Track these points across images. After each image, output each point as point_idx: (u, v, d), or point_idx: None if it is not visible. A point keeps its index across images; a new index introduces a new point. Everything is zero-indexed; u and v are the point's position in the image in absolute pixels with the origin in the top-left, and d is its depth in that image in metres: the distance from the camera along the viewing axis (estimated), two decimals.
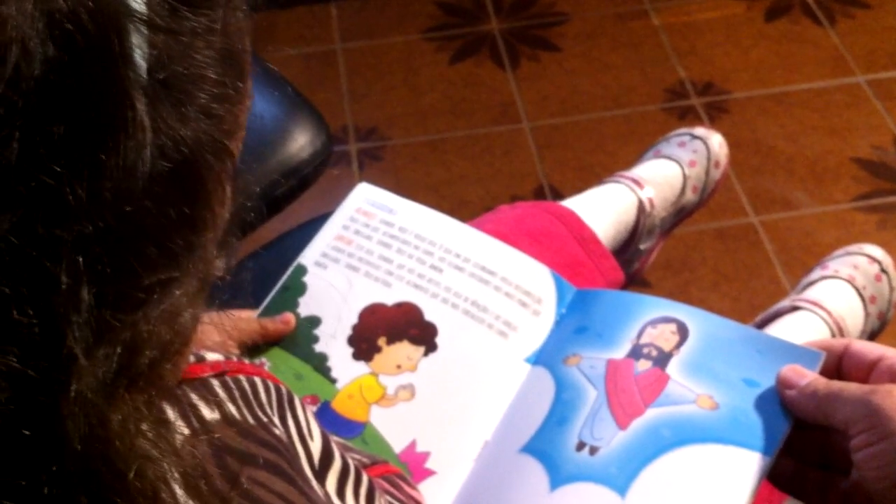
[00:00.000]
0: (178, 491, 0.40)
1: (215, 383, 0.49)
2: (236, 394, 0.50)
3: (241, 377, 0.51)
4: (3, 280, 0.28)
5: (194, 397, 0.47)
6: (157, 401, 0.34)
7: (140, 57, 0.30)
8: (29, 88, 0.27)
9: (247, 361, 0.54)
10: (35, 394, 0.29)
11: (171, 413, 0.44)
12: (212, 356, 0.51)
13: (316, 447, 0.55)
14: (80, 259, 0.29)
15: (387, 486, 0.63)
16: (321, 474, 0.54)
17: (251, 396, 0.51)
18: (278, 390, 0.54)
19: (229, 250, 0.37)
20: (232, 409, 0.49)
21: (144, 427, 0.32)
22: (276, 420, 0.52)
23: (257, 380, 0.52)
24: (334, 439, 0.58)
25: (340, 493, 0.55)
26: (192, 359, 0.48)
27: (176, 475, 0.39)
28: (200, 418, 0.46)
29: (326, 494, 0.53)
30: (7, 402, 0.28)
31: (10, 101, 0.27)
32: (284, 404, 0.54)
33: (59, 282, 0.29)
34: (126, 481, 0.31)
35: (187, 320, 0.33)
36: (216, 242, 0.35)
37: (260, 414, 0.50)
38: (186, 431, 0.44)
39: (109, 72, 0.29)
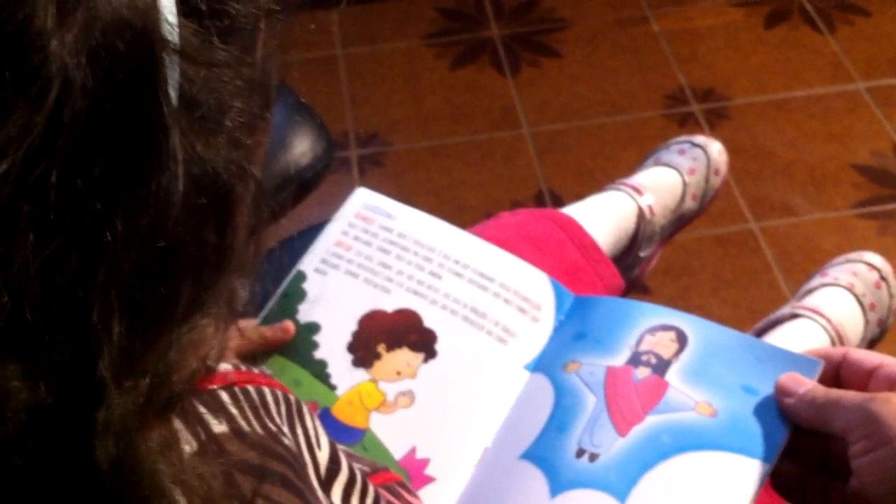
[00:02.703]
0: None
1: (224, 395, 0.49)
2: (245, 405, 0.50)
3: (250, 388, 0.51)
4: (37, 311, 0.28)
5: (203, 410, 0.47)
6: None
7: (173, 87, 0.30)
8: (69, 123, 0.27)
9: (255, 370, 0.54)
10: (67, 424, 0.29)
11: (180, 427, 0.44)
12: (219, 366, 0.51)
13: (323, 457, 0.55)
14: (113, 291, 0.29)
15: (388, 495, 0.63)
16: (327, 485, 0.54)
17: (260, 407, 0.51)
18: (287, 399, 0.54)
19: (252, 278, 0.37)
20: (241, 421, 0.49)
21: (173, 453, 0.33)
22: (286, 429, 0.52)
23: (266, 390, 0.52)
24: (341, 448, 0.58)
25: (346, 503, 0.55)
26: None
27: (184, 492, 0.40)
28: (209, 432, 0.46)
29: None
30: (39, 432, 0.29)
31: (51, 135, 0.27)
32: (293, 413, 0.54)
33: (91, 313, 0.29)
34: None
35: (214, 348, 0.34)
36: (241, 270, 0.35)
37: (269, 424, 0.50)
38: (195, 446, 0.44)
39: (147, 103, 0.29)
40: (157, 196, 0.29)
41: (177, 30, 0.30)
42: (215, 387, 0.49)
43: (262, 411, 0.50)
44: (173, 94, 0.30)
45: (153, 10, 0.29)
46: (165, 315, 0.31)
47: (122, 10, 0.28)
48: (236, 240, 0.34)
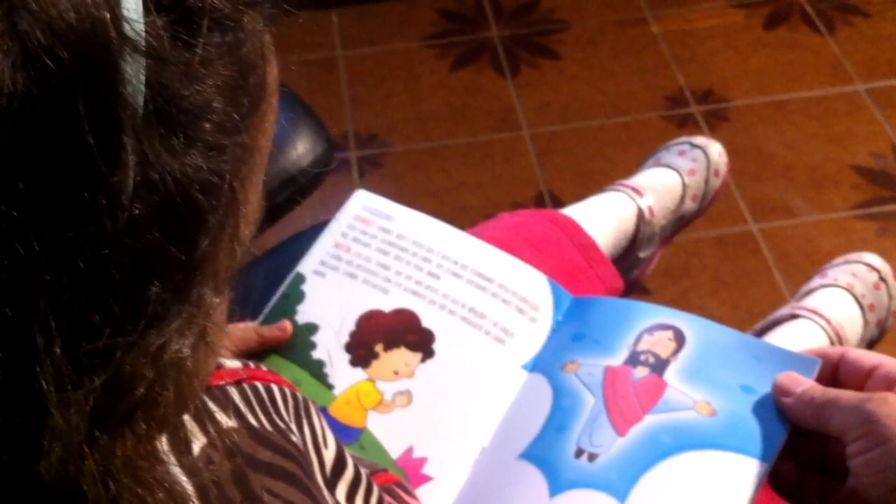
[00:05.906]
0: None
1: (233, 391, 0.49)
2: (254, 401, 0.50)
3: (259, 384, 0.51)
4: None
5: (212, 405, 0.47)
6: (154, 434, 0.32)
7: (134, 90, 0.27)
8: None
9: (263, 368, 0.54)
10: (7, 440, 0.28)
11: (189, 423, 0.44)
12: (229, 363, 0.52)
13: (329, 455, 0.55)
14: (52, 300, 0.27)
15: (387, 497, 0.63)
16: (332, 483, 0.54)
17: (268, 403, 0.51)
18: (294, 397, 0.54)
19: (229, 286, 0.35)
20: (250, 416, 0.49)
21: (139, 464, 0.31)
22: (293, 427, 0.52)
23: (274, 387, 0.52)
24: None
25: (350, 501, 0.55)
26: None
27: (189, 489, 0.39)
28: (218, 427, 0.46)
29: (337, 503, 0.53)
30: None
31: None
32: (301, 411, 0.54)
33: (28, 321, 0.27)
34: None
35: (188, 358, 0.31)
36: (214, 279, 0.32)
37: (277, 421, 0.50)
38: (204, 440, 0.44)
39: (96, 107, 0.27)
40: (99, 209, 0.27)
41: (142, 27, 0.28)
42: (224, 382, 0.49)
43: (270, 408, 0.51)
44: (138, 97, 0.27)
45: (109, 10, 0.27)
46: (115, 325, 0.29)
47: (68, 14, 0.26)
48: (208, 251, 0.31)
